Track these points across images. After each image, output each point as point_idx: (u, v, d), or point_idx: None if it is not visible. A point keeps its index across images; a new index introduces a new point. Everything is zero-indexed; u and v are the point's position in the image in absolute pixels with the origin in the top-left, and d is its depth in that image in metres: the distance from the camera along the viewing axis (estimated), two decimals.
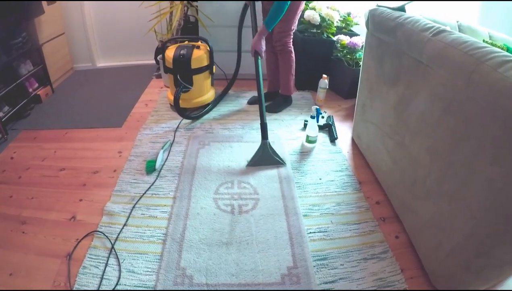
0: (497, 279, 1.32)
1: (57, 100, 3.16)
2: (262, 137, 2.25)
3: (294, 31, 2.67)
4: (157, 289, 1.45)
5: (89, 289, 1.46)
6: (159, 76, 3.64)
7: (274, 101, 2.97)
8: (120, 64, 4.05)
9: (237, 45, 2.94)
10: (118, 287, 1.46)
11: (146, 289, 1.46)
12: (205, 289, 1.46)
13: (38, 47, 3.04)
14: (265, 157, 2.22)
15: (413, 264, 1.61)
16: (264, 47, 2.49)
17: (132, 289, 1.46)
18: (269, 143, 2.24)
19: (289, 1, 2.31)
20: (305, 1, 2.62)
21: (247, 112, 2.92)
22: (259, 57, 2.46)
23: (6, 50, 2.68)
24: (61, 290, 1.45)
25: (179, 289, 1.46)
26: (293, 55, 2.74)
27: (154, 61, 3.73)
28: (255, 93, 3.10)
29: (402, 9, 1.88)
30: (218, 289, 1.46)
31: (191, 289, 1.46)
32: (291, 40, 2.69)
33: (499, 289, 1.42)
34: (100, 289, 1.45)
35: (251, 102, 3.06)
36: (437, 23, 1.52)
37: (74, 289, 1.45)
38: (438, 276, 1.46)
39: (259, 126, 2.23)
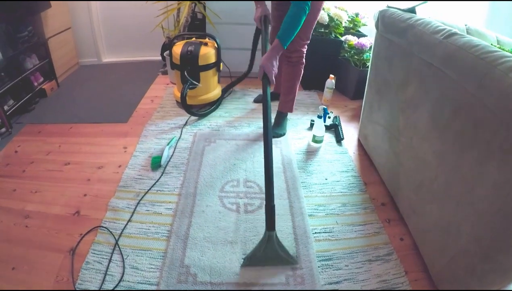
0: (501, 284, 1.30)
1: (62, 95, 3.16)
2: (267, 227, 1.59)
3: None
4: (160, 286, 1.45)
5: (92, 284, 1.45)
6: (165, 73, 3.64)
7: (276, 123, 2.61)
8: (126, 60, 4.05)
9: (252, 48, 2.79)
10: (121, 283, 1.46)
11: (148, 288, 1.46)
12: (209, 287, 1.45)
13: (44, 41, 3.04)
14: (269, 254, 1.58)
15: (418, 266, 1.60)
16: (276, 69, 1.96)
17: (135, 286, 1.46)
18: (276, 236, 1.59)
19: (309, 2, 1.86)
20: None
21: (254, 111, 2.91)
22: (268, 83, 1.91)
23: (12, 44, 2.68)
24: (64, 290, 1.44)
25: (183, 287, 1.45)
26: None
27: (160, 58, 3.72)
28: (261, 92, 3.07)
29: (412, 10, 1.87)
30: (222, 288, 1.46)
31: (195, 287, 1.45)
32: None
33: (501, 289, 1.42)
34: (102, 286, 1.45)
35: (257, 100, 3.03)
36: (446, 25, 1.51)
37: (77, 286, 1.44)
38: (442, 279, 1.45)
39: None
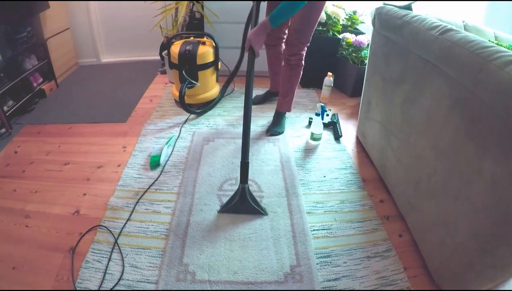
0: (500, 279, 1.31)
1: (61, 95, 3.17)
2: (240, 180, 1.87)
3: None
4: (159, 284, 1.45)
5: (91, 283, 1.46)
6: (163, 72, 3.64)
7: (274, 122, 2.63)
8: (125, 59, 4.06)
9: (242, 43, 2.83)
10: (121, 282, 1.47)
11: (147, 287, 1.46)
12: (208, 285, 1.46)
13: (43, 42, 3.05)
14: (242, 205, 1.84)
15: (416, 262, 1.60)
16: (262, 44, 2.06)
17: (134, 284, 1.46)
18: (248, 188, 1.87)
19: (305, 2, 1.89)
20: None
21: (253, 110, 2.87)
22: (253, 55, 2.03)
23: (11, 44, 2.69)
24: (64, 290, 1.45)
25: (182, 285, 1.45)
26: None
27: (158, 57, 3.73)
28: (259, 91, 3.09)
29: (408, 7, 1.87)
30: (220, 287, 1.46)
31: (194, 285, 1.46)
32: None
33: (502, 289, 1.41)
34: (102, 284, 1.45)
35: (253, 102, 2.99)
36: (442, 22, 1.52)
37: (77, 284, 1.45)
38: (441, 275, 1.46)
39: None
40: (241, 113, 2.80)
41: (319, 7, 2.14)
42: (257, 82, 3.14)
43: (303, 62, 2.37)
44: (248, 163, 1.86)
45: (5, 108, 2.56)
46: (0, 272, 1.52)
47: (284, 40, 2.51)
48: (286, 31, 2.43)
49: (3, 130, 2.48)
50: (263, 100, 3.02)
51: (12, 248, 1.63)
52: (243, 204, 1.84)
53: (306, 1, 1.88)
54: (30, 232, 1.72)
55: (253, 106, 2.92)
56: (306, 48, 2.33)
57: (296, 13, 2.02)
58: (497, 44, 1.33)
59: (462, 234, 1.29)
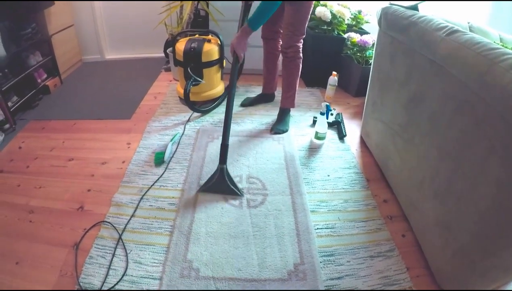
0: (502, 280, 1.31)
1: (65, 91, 3.18)
2: (220, 161, 1.97)
3: None
4: (163, 280, 1.46)
5: (95, 278, 1.46)
6: (168, 70, 3.65)
7: (279, 120, 2.65)
8: (129, 56, 4.07)
9: None
10: (124, 278, 1.47)
11: (151, 283, 1.47)
12: (212, 282, 1.46)
13: (47, 38, 3.06)
14: (220, 185, 1.94)
15: (419, 263, 1.60)
16: (245, 49, 2.20)
17: (138, 280, 1.47)
18: (226, 169, 1.97)
19: (280, 2, 2.03)
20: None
21: (256, 108, 2.92)
22: (237, 59, 2.17)
23: (16, 41, 2.70)
24: (64, 290, 1.44)
25: (185, 282, 1.46)
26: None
27: (163, 54, 3.73)
28: (259, 90, 3.07)
29: (415, 8, 1.87)
30: (224, 284, 1.47)
31: (198, 281, 1.46)
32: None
33: (505, 289, 1.42)
34: (106, 280, 1.46)
35: (243, 104, 2.96)
36: (448, 23, 1.51)
37: (81, 280, 1.45)
38: (444, 276, 1.46)
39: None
40: (245, 111, 2.85)
41: (309, 2, 2.22)
42: (257, 80, 3.15)
43: (300, 54, 2.42)
44: (227, 145, 1.98)
45: (10, 104, 2.57)
46: (3, 267, 1.53)
47: (281, 35, 2.50)
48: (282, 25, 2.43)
49: (7, 126, 2.49)
50: (254, 102, 2.99)
51: (16, 243, 1.64)
52: (221, 184, 1.94)
53: (280, 2, 2.02)
54: (34, 227, 1.73)
55: (252, 107, 2.93)
56: (302, 40, 2.38)
57: (286, 9, 2.17)
58: (503, 46, 1.33)
59: (465, 235, 1.29)
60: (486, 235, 1.20)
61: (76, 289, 1.43)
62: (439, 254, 1.47)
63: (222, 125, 1.98)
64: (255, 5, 2.21)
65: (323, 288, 1.47)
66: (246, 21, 2.11)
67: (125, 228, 1.71)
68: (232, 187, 1.93)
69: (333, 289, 1.47)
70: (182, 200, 1.89)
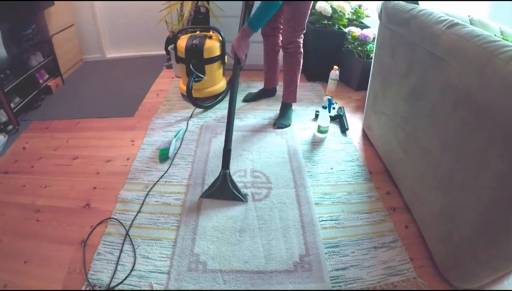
0: (505, 270, 1.33)
1: (67, 91, 3.20)
2: (222, 166, 1.93)
3: None
4: (171, 274, 1.48)
5: (104, 274, 1.48)
6: (169, 67, 3.66)
7: (281, 115, 2.66)
8: (130, 55, 4.07)
9: None
10: (133, 272, 1.49)
11: (159, 277, 1.49)
12: (219, 275, 1.48)
13: (48, 38, 3.07)
14: (223, 190, 1.90)
15: (422, 253, 1.62)
16: (246, 50, 2.18)
17: (146, 275, 1.49)
18: (229, 174, 1.93)
19: (281, 2, 2.00)
20: None
21: (259, 103, 2.94)
22: (238, 61, 2.15)
23: (17, 42, 2.70)
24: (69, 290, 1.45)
25: (193, 275, 1.48)
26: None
27: (164, 52, 3.74)
28: (260, 85, 3.09)
29: (415, 1, 1.89)
30: (232, 276, 1.48)
31: (205, 275, 1.48)
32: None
33: (504, 289, 1.45)
34: (114, 275, 1.48)
35: (245, 99, 2.98)
36: (448, 16, 1.52)
37: (89, 276, 1.47)
38: (447, 266, 1.48)
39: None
40: (248, 106, 2.86)
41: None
42: (259, 75, 3.17)
43: (301, 50, 2.42)
44: (230, 149, 1.93)
45: (12, 105, 2.58)
46: (12, 266, 1.54)
47: (280, 31, 2.51)
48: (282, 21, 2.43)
49: (10, 127, 2.50)
50: (256, 97, 3.00)
51: (24, 243, 1.65)
52: (224, 190, 1.90)
53: (281, 2, 1.99)
54: (41, 226, 1.74)
55: (254, 102, 2.94)
56: (302, 36, 2.38)
57: (286, 6, 2.16)
58: (503, 38, 1.34)
59: (468, 225, 1.31)
60: (489, 225, 1.22)
61: (83, 288, 1.43)
62: (442, 245, 1.49)
63: (225, 121, 1.98)
64: (255, 5, 2.21)
65: (328, 279, 1.48)
66: (247, 22, 2.09)
67: (132, 224, 1.73)
68: (236, 192, 1.89)
69: (341, 289, 1.47)
70: (187, 195, 1.91)
